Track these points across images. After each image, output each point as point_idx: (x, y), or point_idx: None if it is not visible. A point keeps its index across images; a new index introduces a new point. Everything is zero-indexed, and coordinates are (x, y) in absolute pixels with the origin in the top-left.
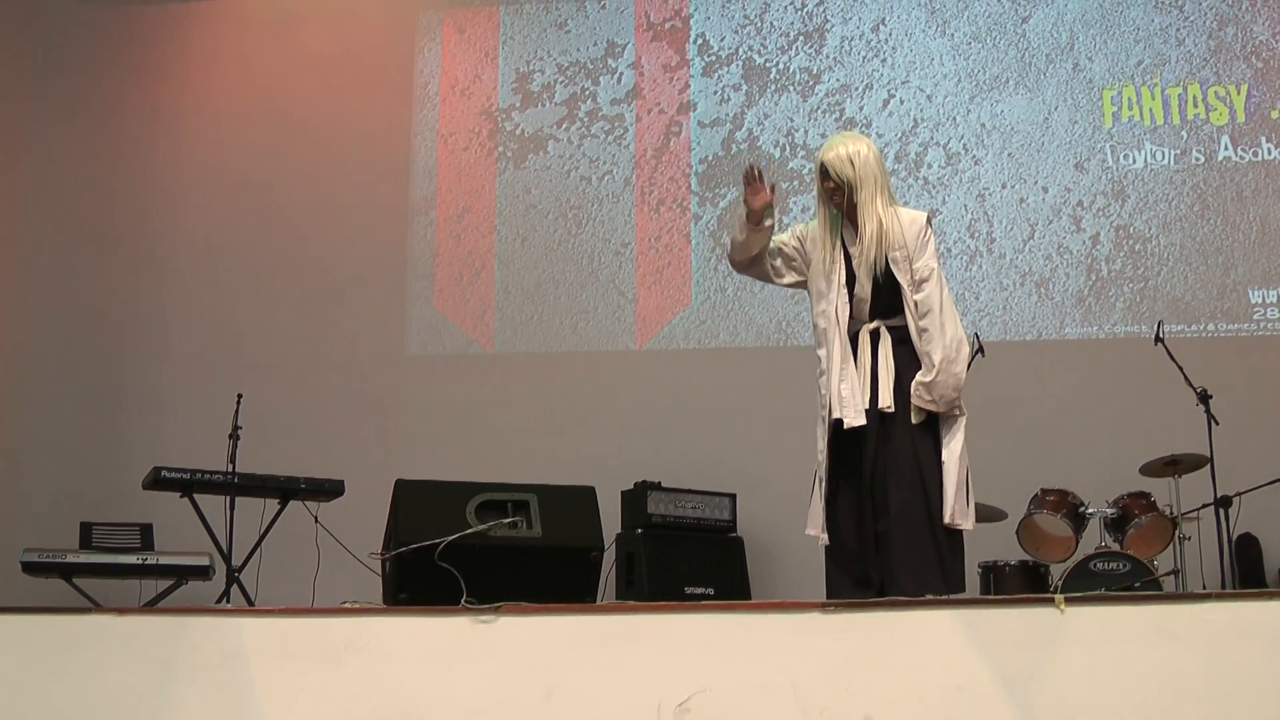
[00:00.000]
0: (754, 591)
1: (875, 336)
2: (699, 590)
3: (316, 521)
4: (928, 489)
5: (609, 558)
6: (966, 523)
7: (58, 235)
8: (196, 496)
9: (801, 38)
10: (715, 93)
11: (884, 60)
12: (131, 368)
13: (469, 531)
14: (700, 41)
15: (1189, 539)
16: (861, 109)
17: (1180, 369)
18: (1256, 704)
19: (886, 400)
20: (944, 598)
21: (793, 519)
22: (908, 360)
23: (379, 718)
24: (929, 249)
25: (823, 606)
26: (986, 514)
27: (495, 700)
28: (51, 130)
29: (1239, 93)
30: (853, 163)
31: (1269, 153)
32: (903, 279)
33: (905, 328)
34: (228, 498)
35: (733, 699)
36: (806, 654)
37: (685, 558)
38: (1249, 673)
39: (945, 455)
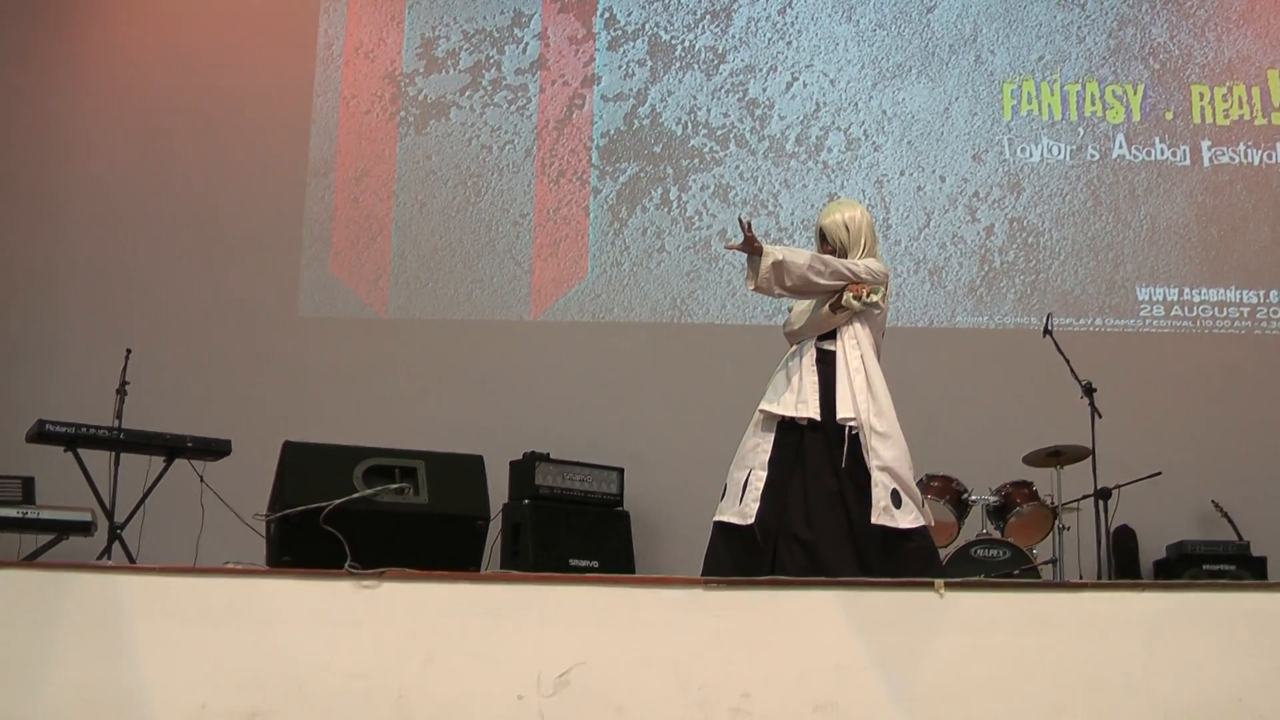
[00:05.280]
0: (638, 566)
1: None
2: (583, 563)
3: (202, 481)
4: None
5: (495, 527)
6: None
7: None
8: (81, 451)
9: (708, 16)
10: (620, 67)
11: (789, 43)
12: (18, 318)
13: (355, 496)
14: (607, 15)
15: (1068, 529)
16: (765, 90)
17: (1067, 362)
18: (1127, 691)
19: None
20: (827, 579)
21: (679, 495)
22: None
23: (258, 679)
24: None
25: (705, 584)
26: None
27: (375, 665)
28: None
29: (1135, 92)
30: (847, 228)
31: (1161, 153)
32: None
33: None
34: (112, 454)
35: (612, 672)
36: (687, 630)
37: (571, 530)
38: (1121, 661)
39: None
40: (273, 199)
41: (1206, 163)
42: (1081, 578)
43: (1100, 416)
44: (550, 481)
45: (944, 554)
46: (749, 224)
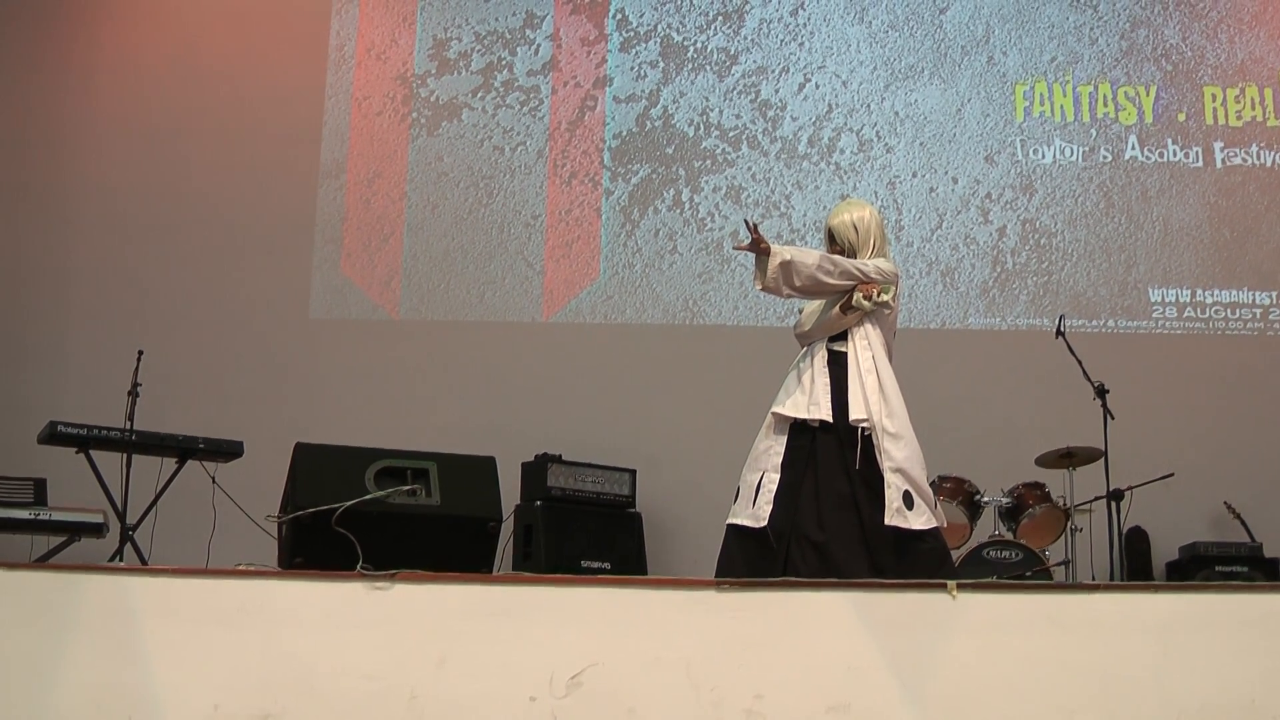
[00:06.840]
0: (650, 567)
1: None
2: (595, 564)
3: (214, 482)
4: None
5: (507, 529)
6: None
7: None
8: (93, 453)
9: (720, 18)
10: (632, 69)
11: (801, 44)
12: (31, 320)
13: (367, 497)
14: (619, 17)
15: (1081, 530)
16: (777, 92)
17: (1079, 363)
18: (1138, 694)
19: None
20: (839, 581)
21: (692, 496)
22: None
23: (270, 681)
24: None
25: (717, 585)
26: None
27: (388, 667)
28: None
29: (1148, 94)
30: (856, 229)
31: (1174, 155)
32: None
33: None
34: (124, 455)
35: (625, 674)
36: (700, 632)
37: (583, 531)
38: (1134, 663)
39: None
40: (284, 201)
41: (1219, 164)
42: (1094, 579)
43: (1113, 418)
44: (562, 483)
45: (956, 555)
46: (756, 225)
